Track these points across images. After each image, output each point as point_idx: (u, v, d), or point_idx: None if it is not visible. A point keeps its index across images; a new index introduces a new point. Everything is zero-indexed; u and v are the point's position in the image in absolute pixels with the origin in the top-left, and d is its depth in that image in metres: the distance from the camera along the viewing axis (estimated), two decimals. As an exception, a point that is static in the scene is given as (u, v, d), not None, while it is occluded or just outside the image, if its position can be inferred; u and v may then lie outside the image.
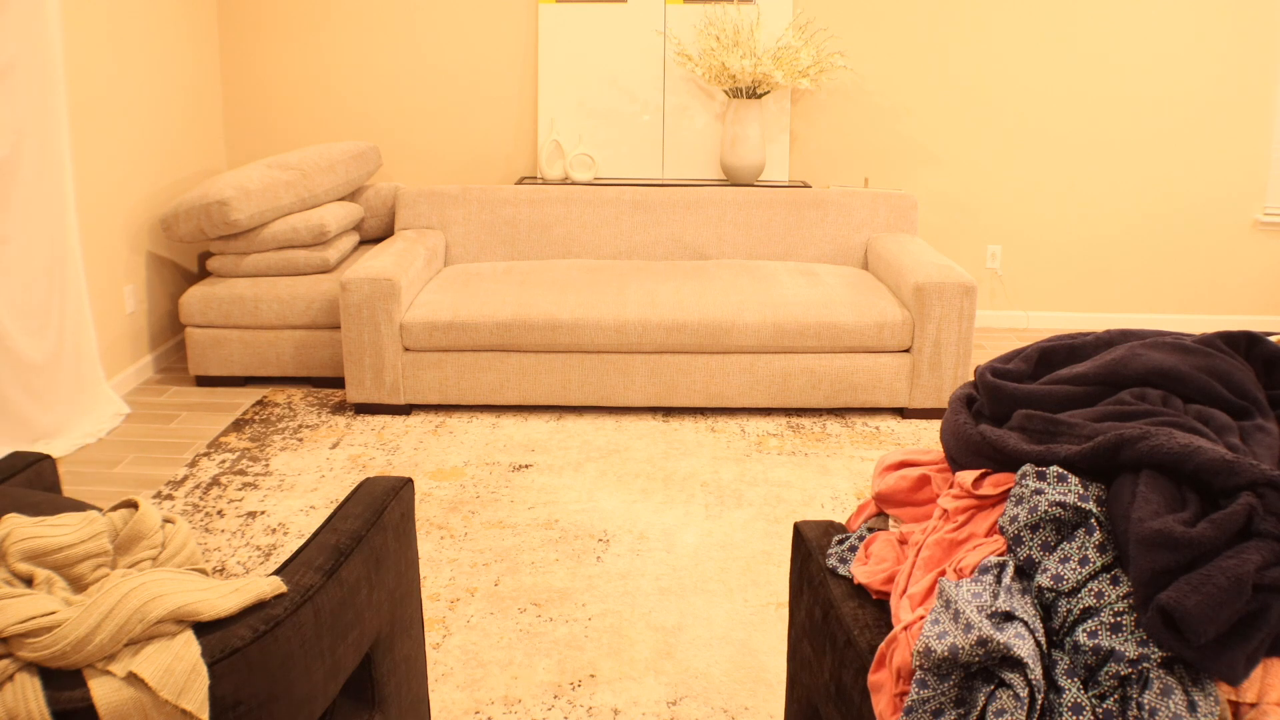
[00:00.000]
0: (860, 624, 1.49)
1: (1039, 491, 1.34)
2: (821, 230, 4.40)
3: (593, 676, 2.29)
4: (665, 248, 4.42)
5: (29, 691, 1.14)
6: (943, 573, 1.41)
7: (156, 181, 4.37)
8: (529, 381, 3.80)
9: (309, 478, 3.30)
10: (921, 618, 1.36)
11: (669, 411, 3.91)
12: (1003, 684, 1.22)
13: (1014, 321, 5.19)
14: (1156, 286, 5.12)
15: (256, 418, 3.81)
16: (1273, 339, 1.59)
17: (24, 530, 1.32)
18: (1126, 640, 1.19)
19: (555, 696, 2.22)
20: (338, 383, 4.16)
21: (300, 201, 4.17)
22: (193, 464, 3.40)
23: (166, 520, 1.46)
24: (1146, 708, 1.15)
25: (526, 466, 3.39)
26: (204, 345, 4.10)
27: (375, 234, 4.74)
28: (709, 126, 4.89)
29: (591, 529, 2.97)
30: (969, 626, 1.25)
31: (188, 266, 4.69)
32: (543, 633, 2.45)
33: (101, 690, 1.15)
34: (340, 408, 3.91)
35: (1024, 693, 1.19)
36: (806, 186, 4.62)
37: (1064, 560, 1.28)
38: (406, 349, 3.79)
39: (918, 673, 1.28)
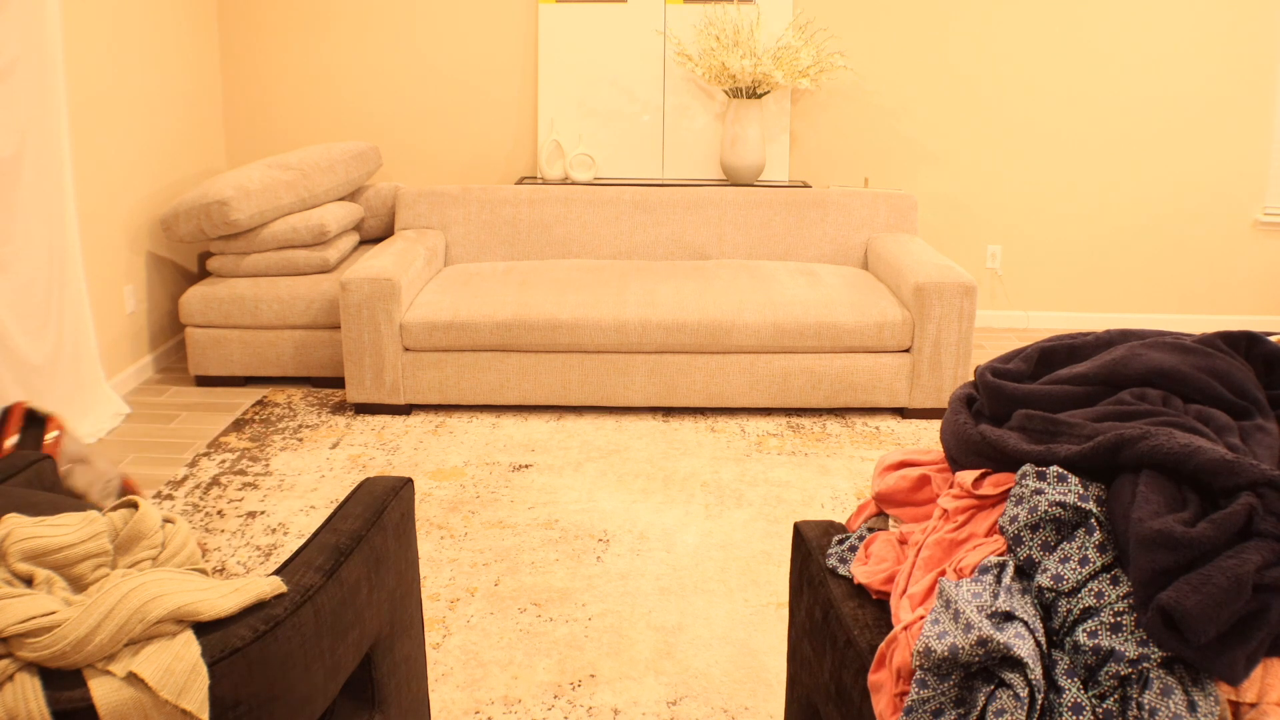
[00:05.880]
0: (860, 624, 1.49)
1: (1039, 491, 1.34)
2: (821, 230, 4.40)
3: (593, 676, 2.29)
4: (665, 248, 4.42)
5: (29, 691, 1.14)
6: (943, 573, 1.41)
7: (156, 181, 4.37)
8: (529, 381, 3.80)
9: (309, 478, 3.30)
10: (921, 618, 1.36)
11: (669, 411, 3.91)
12: (1003, 684, 1.22)
13: (1014, 321, 5.19)
14: (1156, 286, 5.12)
15: (256, 418, 3.81)
16: (1273, 339, 1.59)
17: (24, 530, 1.32)
18: (1126, 640, 1.19)
19: (555, 696, 2.22)
20: (338, 383, 4.16)
21: (300, 201, 4.17)
22: (193, 464, 3.40)
23: (166, 520, 1.46)
24: (1146, 708, 1.15)
25: (526, 466, 3.39)
26: (204, 345, 4.10)
27: (375, 234, 4.74)
28: (709, 126, 4.89)
29: (591, 529, 2.97)
30: (969, 626, 1.25)
31: (188, 266, 4.69)
32: (543, 633, 2.45)
33: (101, 690, 1.15)
34: (340, 408, 3.91)
35: (1024, 693, 1.19)
36: (806, 186, 4.62)
37: (1064, 560, 1.28)
38: (406, 349, 3.79)
39: (918, 673, 1.28)
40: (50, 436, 2.46)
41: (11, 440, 2.40)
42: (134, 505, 1.44)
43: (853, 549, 1.64)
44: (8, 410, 2.46)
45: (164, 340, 4.48)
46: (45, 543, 1.31)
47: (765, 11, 4.79)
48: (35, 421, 2.48)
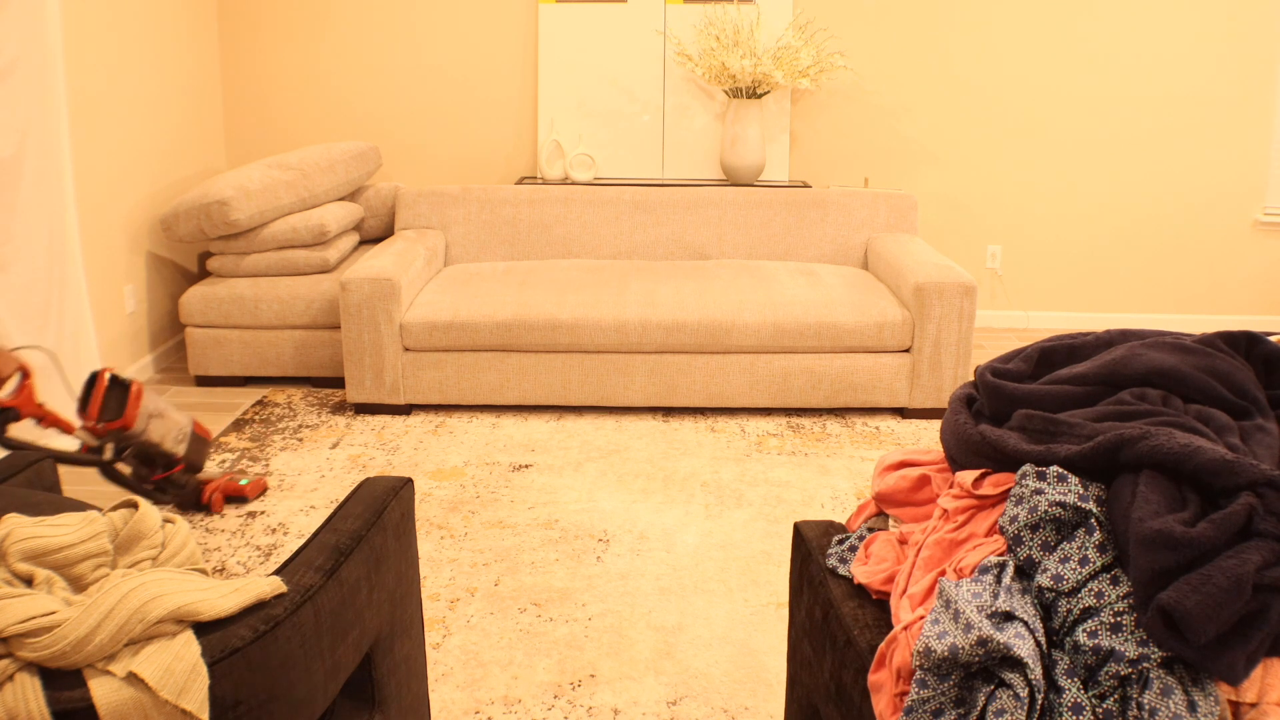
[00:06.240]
0: (860, 624, 1.49)
1: (1039, 491, 1.34)
2: (821, 230, 4.40)
3: (593, 676, 2.29)
4: (665, 248, 4.42)
5: (29, 691, 1.14)
6: (943, 573, 1.41)
7: (156, 181, 4.37)
8: (529, 381, 3.80)
9: (309, 478, 3.30)
10: (921, 618, 1.36)
11: (669, 411, 3.91)
12: (1003, 684, 1.22)
13: (1014, 321, 5.19)
14: (1156, 286, 5.12)
15: (256, 418, 3.81)
16: (1273, 339, 1.59)
17: (24, 530, 1.32)
18: (1126, 640, 1.19)
19: (555, 696, 2.22)
20: (338, 383, 4.16)
21: (300, 201, 4.17)
22: (193, 464, 3.40)
23: (166, 520, 1.46)
24: (1146, 708, 1.15)
25: (526, 466, 3.39)
26: (204, 345, 4.10)
27: (375, 234, 4.74)
28: (709, 126, 4.89)
29: (591, 529, 2.97)
30: (969, 626, 1.25)
31: (188, 266, 4.69)
32: (543, 633, 2.45)
33: (101, 690, 1.15)
34: (340, 408, 3.92)
35: (1024, 693, 1.19)
36: (806, 186, 4.62)
37: (1064, 560, 1.28)
38: (406, 349, 3.79)
39: (918, 673, 1.28)
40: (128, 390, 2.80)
41: (99, 403, 2.74)
42: (134, 505, 1.44)
43: (853, 549, 1.64)
44: (95, 375, 2.77)
45: (164, 340, 4.48)
46: (45, 543, 1.31)
47: (765, 11, 4.79)
48: (119, 385, 2.77)
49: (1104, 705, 1.17)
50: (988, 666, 1.24)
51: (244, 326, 4.08)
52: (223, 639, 1.23)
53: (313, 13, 4.89)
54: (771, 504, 3.13)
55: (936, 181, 5.02)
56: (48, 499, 1.77)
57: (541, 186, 4.46)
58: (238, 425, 3.74)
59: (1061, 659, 1.22)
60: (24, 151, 3.36)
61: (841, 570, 1.62)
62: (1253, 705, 1.17)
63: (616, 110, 4.88)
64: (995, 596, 1.29)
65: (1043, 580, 1.28)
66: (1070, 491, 1.32)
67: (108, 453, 2.78)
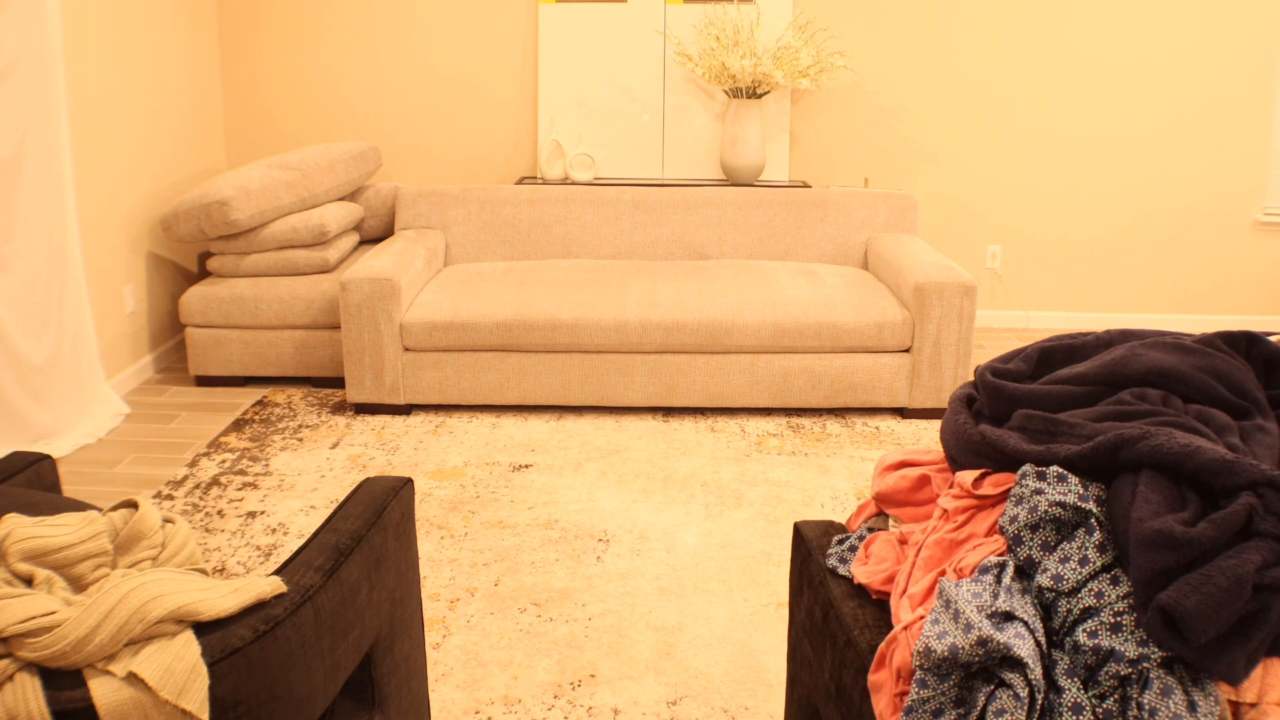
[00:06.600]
0: (860, 624, 1.49)
1: (1039, 491, 1.34)
2: (821, 230, 4.40)
3: (593, 676, 2.29)
4: (665, 248, 4.42)
5: (29, 691, 1.14)
6: (943, 573, 1.41)
7: (156, 181, 4.37)
8: (529, 381, 3.80)
9: (309, 478, 3.30)
10: (921, 618, 1.36)
11: (669, 411, 3.91)
12: (1003, 684, 1.22)
13: (1014, 321, 5.18)
14: (1156, 286, 5.12)
15: (256, 418, 3.81)
16: (1273, 339, 1.59)
17: (24, 530, 1.32)
18: (1126, 640, 1.19)
19: (555, 696, 2.22)
20: (338, 383, 4.16)
21: (300, 201, 4.17)
22: (193, 464, 3.40)
23: (166, 520, 1.46)
24: (1146, 708, 1.15)
25: (526, 466, 3.39)
26: (204, 345, 4.10)
27: (375, 234, 4.74)
28: (709, 126, 4.89)
29: (591, 529, 2.97)
30: (969, 626, 1.25)
31: (188, 266, 4.69)
32: (543, 633, 2.45)
33: (101, 690, 1.15)
34: (340, 408, 3.91)
35: (1024, 693, 1.19)
36: (806, 186, 4.62)
37: (1064, 560, 1.28)
38: (406, 349, 3.79)
39: (918, 673, 1.28)
40: None
41: None
42: (133, 505, 1.44)
43: (853, 549, 1.64)
44: None
45: (164, 340, 4.48)
46: (45, 543, 1.31)
47: (765, 11, 4.79)
48: None
49: (1104, 705, 1.17)
50: (988, 666, 1.24)
51: (244, 326, 4.08)
52: (223, 639, 1.23)
53: (313, 13, 4.89)
54: (771, 504, 3.13)
55: (936, 181, 5.02)
56: (48, 499, 1.77)
57: (541, 186, 4.46)
58: (238, 425, 3.74)
59: (1061, 659, 1.22)
60: (24, 151, 3.37)
61: (841, 570, 1.62)
62: (1253, 705, 1.17)
63: (616, 110, 4.88)
64: (995, 596, 1.29)
65: (1043, 580, 1.28)
66: (1070, 491, 1.32)
67: None
